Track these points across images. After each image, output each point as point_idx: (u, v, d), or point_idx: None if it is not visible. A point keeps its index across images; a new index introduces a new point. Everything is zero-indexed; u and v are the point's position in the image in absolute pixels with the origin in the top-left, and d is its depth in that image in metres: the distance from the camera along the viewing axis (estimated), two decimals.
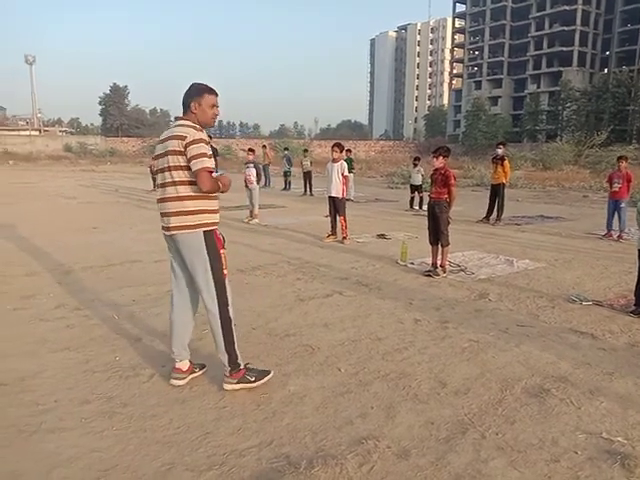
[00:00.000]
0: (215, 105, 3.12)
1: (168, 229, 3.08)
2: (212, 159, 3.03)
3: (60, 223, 10.13)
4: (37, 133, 64.61)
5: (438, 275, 6.09)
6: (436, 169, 6.36)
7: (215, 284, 3.07)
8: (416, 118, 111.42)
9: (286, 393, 3.11)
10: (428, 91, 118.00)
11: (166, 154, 3.01)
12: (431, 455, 2.48)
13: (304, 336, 4.07)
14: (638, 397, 3.11)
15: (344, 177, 8.42)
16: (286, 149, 23.26)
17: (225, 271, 3.12)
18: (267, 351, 3.76)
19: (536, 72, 71.85)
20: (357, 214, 11.42)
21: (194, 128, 2.99)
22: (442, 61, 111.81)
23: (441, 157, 6.29)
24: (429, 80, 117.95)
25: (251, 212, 10.79)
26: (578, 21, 67.74)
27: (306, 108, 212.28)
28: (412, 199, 13.48)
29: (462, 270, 6.40)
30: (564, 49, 68.59)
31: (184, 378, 3.23)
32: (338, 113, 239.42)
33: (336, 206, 8.45)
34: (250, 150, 11.49)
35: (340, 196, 8.40)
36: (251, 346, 3.83)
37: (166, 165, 3.01)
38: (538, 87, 70.19)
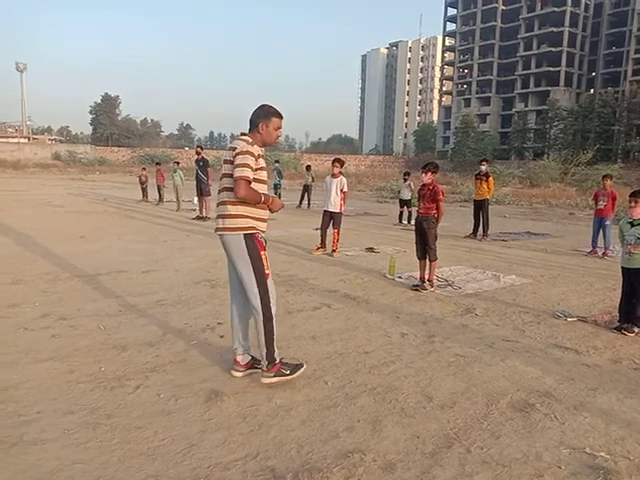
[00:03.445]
0: (280, 127, 3.41)
1: (216, 230, 3.40)
2: (264, 172, 3.32)
3: (47, 231, 10.04)
4: (26, 141, 64.20)
5: (425, 289, 6.13)
6: (424, 184, 6.44)
7: (257, 283, 3.30)
8: (406, 134, 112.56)
9: (272, 406, 3.10)
10: (418, 107, 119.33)
11: (224, 162, 3.34)
12: (416, 469, 2.49)
13: (291, 348, 4.07)
14: (621, 413, 3.14)
15: (343, 193, 8.54)
16: (277, 162, 23.29)
17: (267, 271, 3.35)
18: None
19: (524, 91, 73.15)
20: (346, 227, 11.43)
21: (246, 142, 3.24)
22: (432, 78, 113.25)
23: (430, 173, 6.36)
24: (419, 97, 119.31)
25: None
26: (565, 42, 69.30)
27: (297, 121, 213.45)
28: (401, 213, 13.59)
29: (449, 285, 6.44)
30: (551, 69, 70.04)
31: (242, 371, 3.50)
32: (329, 127, 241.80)
33: (334, 220, 8.54)
34: None
35: (338, 211, 8.55)
36: None
37: (222, 172, 3.36)
38: (526, 106, 71.44)
